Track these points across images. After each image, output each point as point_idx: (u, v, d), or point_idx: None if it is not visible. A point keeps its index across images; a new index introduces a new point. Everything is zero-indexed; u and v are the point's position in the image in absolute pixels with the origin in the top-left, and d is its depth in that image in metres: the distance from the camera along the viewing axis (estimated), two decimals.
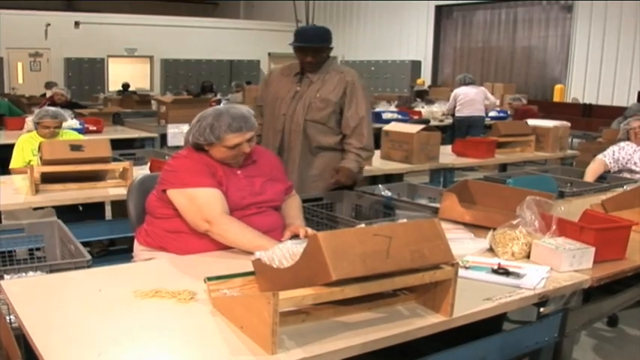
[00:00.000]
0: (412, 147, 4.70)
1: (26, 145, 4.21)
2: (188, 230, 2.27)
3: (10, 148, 4.33)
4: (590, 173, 4.32)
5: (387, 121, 6.91)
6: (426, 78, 16.05)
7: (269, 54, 19.12)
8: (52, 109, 4.50)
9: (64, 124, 5.29)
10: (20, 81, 16.19)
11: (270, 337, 1.45)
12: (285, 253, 1.71)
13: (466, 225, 2.59)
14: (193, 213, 2.24)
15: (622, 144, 4.47)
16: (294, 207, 2.55)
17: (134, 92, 13.08)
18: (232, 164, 2.38)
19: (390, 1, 16.62)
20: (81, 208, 3.90)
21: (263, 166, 2.47)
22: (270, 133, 3.40)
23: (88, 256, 2.12)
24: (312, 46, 3.26)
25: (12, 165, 4.16)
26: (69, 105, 7.57)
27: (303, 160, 3.33)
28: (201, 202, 2.23)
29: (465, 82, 8.80)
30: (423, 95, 10.94)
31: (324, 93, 3.28)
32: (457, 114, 8.68)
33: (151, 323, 1.63)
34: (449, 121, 9.02)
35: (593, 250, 2.15)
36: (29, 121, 5.42)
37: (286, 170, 2.95)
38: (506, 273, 2.02)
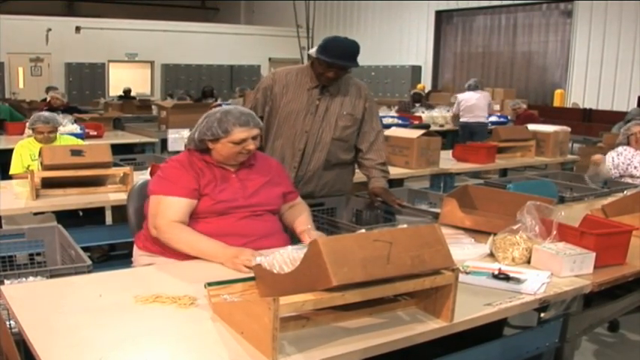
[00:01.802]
0: (412, 152, 4.70)
1: (24, 151, 4.20)
2: None
3: (11, 152, 4.33)
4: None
5: (388, 126, 6.90)
6: (426, 83, 16.05)
7: (269, 59, 19.15)
8: (46, 114, 4.46)
9: (64, 129, 5.29)
10: (21, 86, 16.18)
11: (271, 343, 1.44)
12: (285, 258, 1.71)
13: (466, 230, 2.59)
14: (150, 218, 2.29)
15: (619, 149, 4.46)
16: (302, 214, 2.55)
17: (133, 97, 13.09)
18: (230, 166, 2.39)
19: (390, 2, 16.64)
20: (81, 213, 3.91)
21: (261, 171, 2.47)
22: (286, 150, 3.06)
23: (89, 261, 2.12)
24: (347, 65, 2.93)
25: (12, 171, 4.15)
26: (67, 109, 7.59)
27: (316, 175, 3.10)
28: (158, 210, 2.27)
29: (469, 88, 8.98)
30: (420, 99, 10.88)
31: (348, 108, 3.05)
32: (460, 119, 8.85)
33: (152, 329, 1.63)
34: (449, 126, 9.06)
35: (593, 255, 2.15)
36: None
37: (296, 186, 2.84)
38: (506, 278, 2.02)
